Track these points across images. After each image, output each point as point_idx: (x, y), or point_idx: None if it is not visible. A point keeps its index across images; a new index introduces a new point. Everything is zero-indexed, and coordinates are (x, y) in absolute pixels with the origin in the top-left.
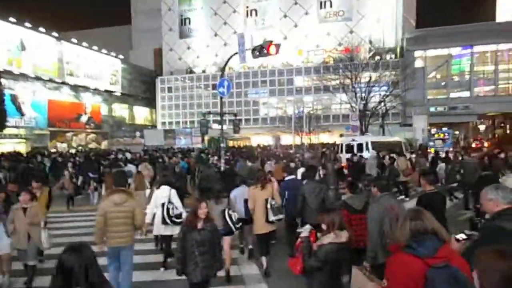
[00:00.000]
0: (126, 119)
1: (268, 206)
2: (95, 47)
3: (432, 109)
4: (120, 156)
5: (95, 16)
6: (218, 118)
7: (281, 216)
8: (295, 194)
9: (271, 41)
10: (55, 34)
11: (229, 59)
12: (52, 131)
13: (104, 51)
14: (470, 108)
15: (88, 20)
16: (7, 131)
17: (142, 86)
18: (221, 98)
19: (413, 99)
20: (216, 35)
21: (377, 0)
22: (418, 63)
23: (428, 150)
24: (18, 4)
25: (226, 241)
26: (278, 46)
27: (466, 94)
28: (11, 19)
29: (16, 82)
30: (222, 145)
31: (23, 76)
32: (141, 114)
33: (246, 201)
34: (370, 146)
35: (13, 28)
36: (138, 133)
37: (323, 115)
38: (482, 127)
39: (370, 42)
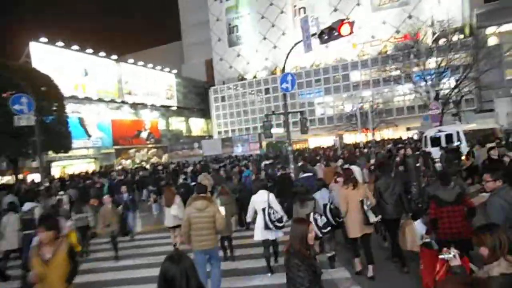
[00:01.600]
0: (183, 131)
1: (365, 207)
2: (150, 65)
3: None
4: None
5: (148, 37)
6: (274, 122)
7: (378, 218)
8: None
9: (342, 20)
10: (114, 56)
11: (291, 49)
12: (116, 149)
13: (158, 67)
14: None
15: (141, 42)
16: (77, 152)
17: (196, 98)
18: (284, 95)
19: (490, 82)
20: (264, 39)
21: None
22: (492, 41)
23: None
24: (78, 33)
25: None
26: (352, 24)
27: None
28: (74, 47)
29: (82, 105)
30: (289, 148)
31: (88, 100)
32: (197, 125)
33: (324, 206)
34: (462, 136)
35: (76, 55)
36: (196, 144)
37: (386, 109)
38: None
39: (432, 23)
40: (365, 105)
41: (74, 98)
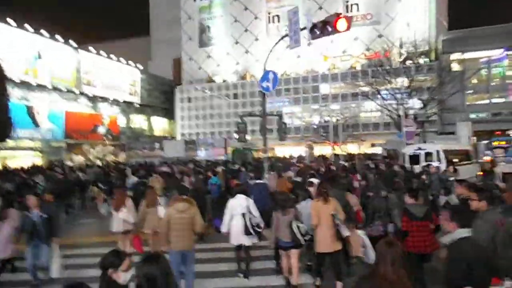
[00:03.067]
0: (144, 130)
1: (337, 221)
2: (113, 57)
3: (472, 115)
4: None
5: (113, 29)
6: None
7: (348, 233)
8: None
9: (339, 14)
10: (72, 43)
11: (278, 42)
12: (68, 143)
13: (122, 60)
14: None
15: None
16: (21, 143)
17: (161, 96)
18: (263, 95)
19: (452, 105)
20: (237, 43)
21: (407, 1)
22: (455, 66)
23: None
24: (36, 14)
25: (294, 254)
26: (349, 19)
27: (510, 99)
28: (28, 27)
29: (32, 92)
30: (265, 155)
31: (40, 87)
32: (160, 125)
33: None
34: (442, 155)
35: (30, 37)
36: (157, 145)
37: (352, 124)
38: None
39: (401, 45)
40: (334, 118)
41: (23, 83)
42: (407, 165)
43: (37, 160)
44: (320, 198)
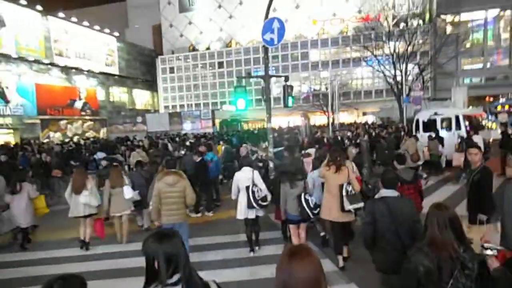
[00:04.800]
0: (125, 104)
1: (344, 192)
2: (86, 23)
3: (466, 80)
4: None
5: None
6: (227, 99)
7: (360, 205)
8: None
9: None
10: (39, 7)
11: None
12: (43, 119)
13: (96, 27)
14: (510, 78)
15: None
16: None
17: (142, 67)
18: (266, 50)
19: (446, 70)
20: (220, 7)
21: None
22: (450, 29)
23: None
24: None
25: (303, 227)
26: None
27: (505, 62)
28: None
29: None
30: (268, 125)
31: (5, 57)
32: (142, 98)
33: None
34: (462, 122)
35: None
36: (139, 118)
37: (343, 92)
38: None
39: (394, 7)
40: (324, 86)
41: None
42: (421, 132)
43: (10, 138)
44: (331, 165)
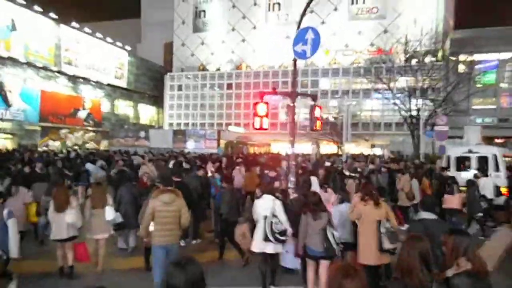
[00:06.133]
0: (129, 117)
1: (382, 229)
2: (99, 35)
3: (478, 120)
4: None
5: (100, 8)
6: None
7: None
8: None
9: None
10: (53, 15)
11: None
12: (43, 126)
13: (109, 40)
14: None
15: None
16: None
17: (150, 82)
18: (295, 64)
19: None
20: (233, 29)
21: None
22: (463, 68)
23: None
24: None
25: (325, 265)
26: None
27: None
28: None
29: (3, 67)
30: (291, 150)
31: (12, 61)
32: (147, 113)
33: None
34: (501, 162)
35: (2, 4)
36: (142, 133)
37: (352, 123)
38: None
39: (407, 42)
40: (331, 116)
41: None
42: (452, 170)
43: (7, 144)
44: (367, 200)
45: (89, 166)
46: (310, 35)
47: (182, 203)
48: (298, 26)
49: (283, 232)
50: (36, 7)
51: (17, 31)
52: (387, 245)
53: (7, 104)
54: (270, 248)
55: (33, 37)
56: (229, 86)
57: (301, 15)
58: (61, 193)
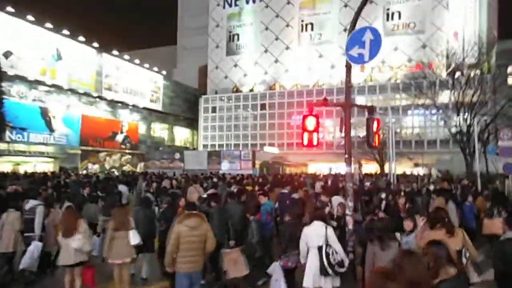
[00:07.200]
0: (165, 140)
1: (465, 260)
2: (137, 61)
3: None
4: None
5: (139, 37)
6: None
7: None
8: None
9: None
10: (95, 44)
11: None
12: (84, 150)
13: (146, 65)
14: None
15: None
16: (33, 148)
17: (184, 105)
18: (349, 70)
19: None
20: (266, 51)
21: (456, 9)
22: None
23: None
24: (56, 14)
25: None
26: None
27: None
28: (48, 25)
29: (48, 94)
30: (347, 169)
31: (56, 88)
32: (182, 135)
33: None
34: None
35: (49, 35)
36: (177, 155)
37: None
38: None
39: (447, 56)
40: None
41: (38, 83)
42: None
43: (49, 167)
44: (439, 228)
45: (121, 188)
46: (368, 36)
47: (208, 227)
48: (351, 30)
49: (341, 263)
50: (80, 37)
51: (62, 60)
52: (474, 278)
53: (51, 130)
54: (328, 283)
55: (77, 65)
56: (263, 107)
57: (357, 12)
58: (69, 217)
